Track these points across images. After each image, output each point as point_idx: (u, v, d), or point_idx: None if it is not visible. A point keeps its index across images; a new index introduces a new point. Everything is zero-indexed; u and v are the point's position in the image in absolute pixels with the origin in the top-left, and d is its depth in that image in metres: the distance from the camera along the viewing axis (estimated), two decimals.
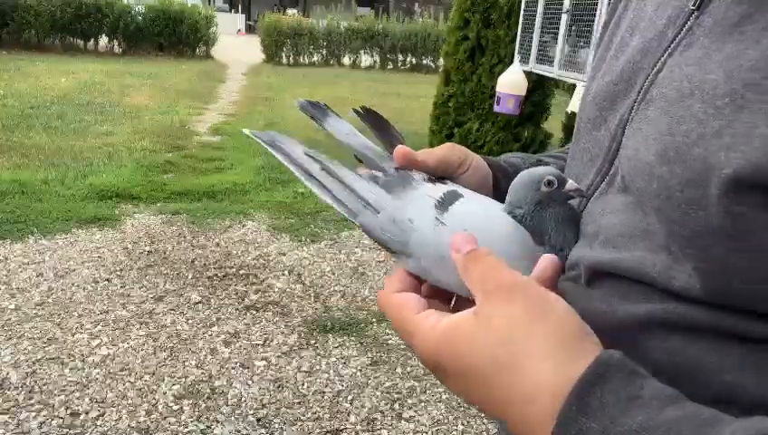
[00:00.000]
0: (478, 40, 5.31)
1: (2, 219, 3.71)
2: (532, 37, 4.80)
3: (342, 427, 2.18)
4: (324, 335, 2.75)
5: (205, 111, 8.00)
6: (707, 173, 0.37)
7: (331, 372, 2.48)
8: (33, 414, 2.10)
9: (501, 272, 0.41)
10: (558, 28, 4.42)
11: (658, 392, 0.35)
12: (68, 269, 3.21)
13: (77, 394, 2.22)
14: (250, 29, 28.58)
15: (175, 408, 2.20)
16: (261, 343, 2.66)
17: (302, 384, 2.39)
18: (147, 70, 11.35)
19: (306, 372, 2.48)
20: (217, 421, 2.15)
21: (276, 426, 2.15)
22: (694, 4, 0.44)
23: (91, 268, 3.24)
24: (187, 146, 6.01)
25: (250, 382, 2.38)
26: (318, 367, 2.51)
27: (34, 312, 2.76)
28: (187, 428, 2.10)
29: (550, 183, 0.51)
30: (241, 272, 3.34)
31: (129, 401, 2.21)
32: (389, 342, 2.74)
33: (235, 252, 3.60)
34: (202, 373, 2.41)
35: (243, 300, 3.03)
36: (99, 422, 2.10)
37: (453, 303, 0.52)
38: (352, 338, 2.75)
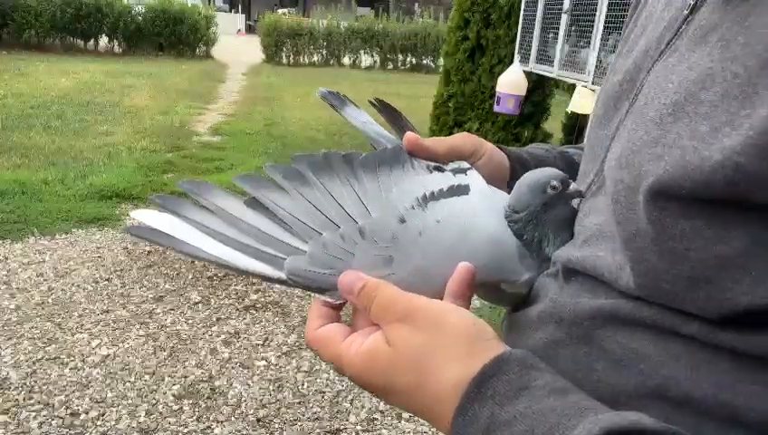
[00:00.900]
0: (478, 40, 5.31)
1: (2, 219, 3.72)
2: (532, 37, 4.79)
3: (342, 427, 2.18)
4: None
5: (205, 111, 8.00)
6: (639, 180, 0.39)
7: (331, 372, 2.48)
8: (33, 414, 2.10)
9: (395, 304, 0.44)
10: (558, 28, 4.41)
11: (547, 384, 0.38)
12: (68, 269, 3.21)
13: (77, 394, 2.22)
14: (250, 29, 28.58)
15: (175, 408, 2.20)
16: (261, 343, 2.66)
17: (302, 384, 2.39)
18: (147, 70, 11.35)
19: (306, 372, 2.48)
20: (217, 421, 2.15)
21: (276, 426, 2.15)
22: (687, 9, 0.45)
23: (91, 268, 3.24)
24: (187, 146, 6.01)
25: (250, 382, 2.38)
26: (318, 367, 2.51)
27: (34, 312, 2.76)
28: (187, 428, 2.10)
29: (555, 187, 0.52)
30: None
31: (129, 401, 2.21)
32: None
33: None
34: (202, 373, 2.41)
35: (243, 300, 3.03)
36: (99, 422, 2.10)
37: None
38: None
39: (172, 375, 2.39)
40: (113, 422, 2.10)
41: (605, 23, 3.78)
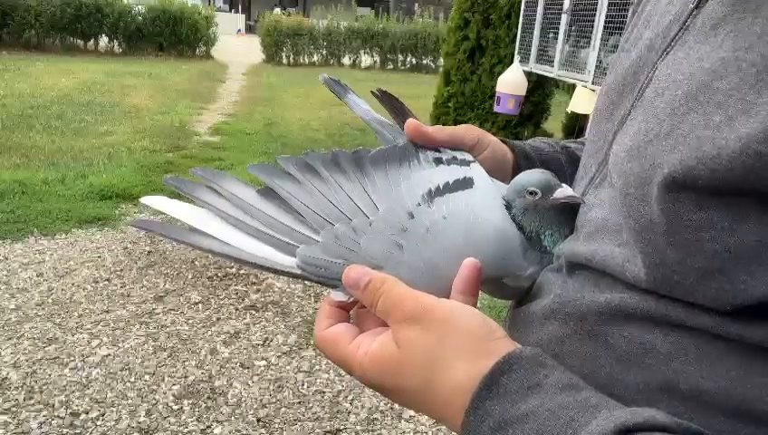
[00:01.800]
0: (478, 40, 5.31)
1: (2, 219, 3.72)
2: (532, 37, 4.80)
3: (342, 427, 2.18)
4: None
5: (205, 111, 8.00)
6: (652, 171, 0.39)
7: (331, 371, 2.48)
8: (33, 414, 2.10)
9: (402, 302, 0.44)
10: (558, 28, 4.41)
11: (559, 381, 0.38)
12: (68, 269, 3.21)
13: (77, 394, 2.22)
14: (250, 29, 28.58)
15: (175, 408, 2.20)
16: (261, 343, 2.66)
17: (302, 384, 2.39)
18: (147, 70, 11.35)
19: (306, 372, 2.48)
20: (217, 421, 2.15)
21: (276, 426, 2.15)
22: (693, 2, 0.44)
23: (91, 268, 3.24)
24: (187, 146, 6.01)
25: (250, 382, 2.38)
26: (318, 367, 2.51)
27: (34, 312, 2.76)
28: (187, 428, 2.10)
29: (532, 193, 0.52)
30: (241, 272, 3.34)
31: (129, 401, 2.21)
32: None
33: None
34: (202, 373, 2.41)
35: (243, 300, 3.03)
36: (99, 422, 2.10)
37: None
38: None
39: (172, 375, 2.38)
40: (113, 422, 2.10)
41: (605, 23, 3.78)
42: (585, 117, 4.68)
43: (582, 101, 4.27)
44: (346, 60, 16.43)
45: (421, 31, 16.09)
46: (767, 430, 0.36)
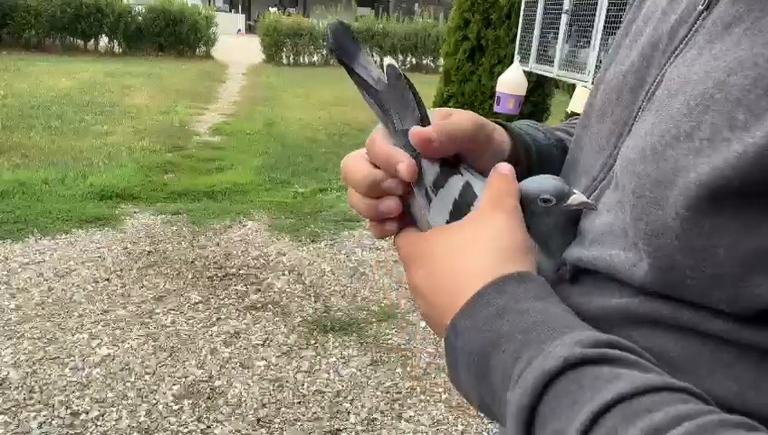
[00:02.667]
0: (478, 40, 5.31)
1: (2, 219, 3.72)
2: (532, 37, 4.80)
3: (342, 427, 2.18)
4: (324, 335, 2.75)
5: (205, 111, 8.00)
6: (675, 175, 0.38)
7: (331, 371, 2.48)
8: (33, 414, 2.10)
9: (506, 196, 0.49)
10: (558, 28, 4.41)
11: (560, 303, 0.42)
12: (68, 269, 3.21)
13: (77, 394, 2.22)
14: (250, 29, 28.58)
15: (175, 408, 2.20)
16: (261, 343, 2.66)
17: (302, 384, 2.39)
18: (147, 70, 11.35)
19: (306, 372, 2.48)
20: (217, 421, 2.15)
21: (276, 426, 2.15)
22: (703, 5, 0.44)
23: (91, 268, 3.24)
24: (187, 146, 6.01)
25: (250, 382, 2.38)
26: (318, 367, 2.51)
27: (34, 312, 2.76)
28: (187, 428, 2.10)
29: (546, 201, 0.51)
30: (241, 272, 3.34)
31: (129, 401, 2.21)
32: (389, 342, 2.74)
33: (234, 252, 3.60)
34: (202, 373, 2.41)
35: (243, 300, 3.03)
36: (99, 422, 2.10)
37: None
38: (352, 338, 2.75)
39: (172, 375, 2.38)
40: (113, 422, 2.10)
41: (605, 23, 3.78)
42: None
43: (582, 101, 4.27)
44: None
45: (421, 31, 16.09)
46: None
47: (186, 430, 2.09)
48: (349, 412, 2.25)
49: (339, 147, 6.33)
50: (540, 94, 5.38)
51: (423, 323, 2.82)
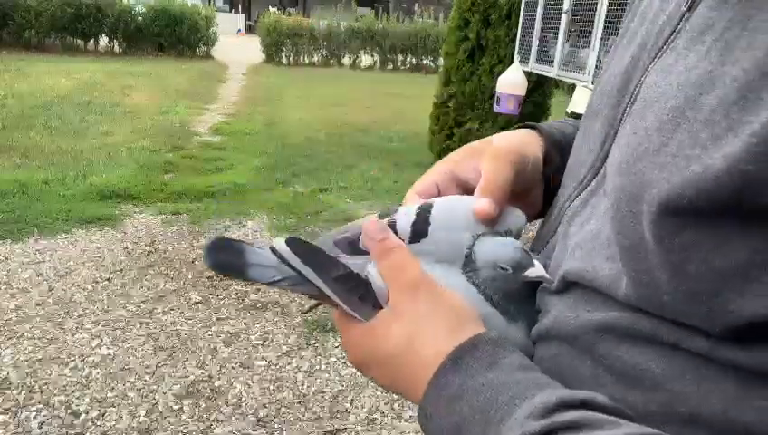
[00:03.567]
0: (478, 40, 5.31)
1: (2, 219, 3.71)
2: (532, 37, 4.79)
3: (342, 427, 2.18)
4: (324, 335, 2.75)
5: (205, 111, 8.00)
6: (642, 189, 0.38)
7: (331, 371, 2.48)
8: (34, 414, 2.10)
9: (407, 269, 0.48)
10: (558, 28, 4.42)
11: (515, 362, 0.43)
12: (68, 269, 3.21)
13: (77, 394, 2.22)
14: (250, 29, 28.57)
15: (175, 408, 2.20)
16: (261, 343, 2.66)
17: (302, 384, 2.39)
18: (147, 70, 11.35)
19: (306, 372, 2.48)
20: (217, 421, 2.15)
21: (276, 426, 2.15)
22: (686, 5, 0.43)
23: (91, 268, 3.24)
24: (187, 146, 6.01)
25: (250, 382, 2.38)
26: (318, 367, 2.51)
27: (34, 312, 2.76)
28: (187, 428, 2.10)
29: (503, 268, 0.49)
30: None
31: (129, 401, 2.21)
32: None
33: None
34: (202, 373, 2.41)
35: (243, 300, 3.03)
36: (99, 422, 2.10)
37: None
38: None
39: (172, 375, 2.38)
40: (113, 422, 2.10)
41: (605, 23, 3.78)
42: None
43: (582, 100, 4.27)
44: (346, 60, 16.43)
45: (421, 31, 16.09)
46: None
47: (186, 430, 2.09)
48: (349, 412, 2.26)
49: (339, 147, 6.33)
50: (540, 94, 5.37)
51: None
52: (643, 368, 0.40)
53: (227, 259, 0.52)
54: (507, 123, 5.25)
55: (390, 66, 16.43)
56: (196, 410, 2.20)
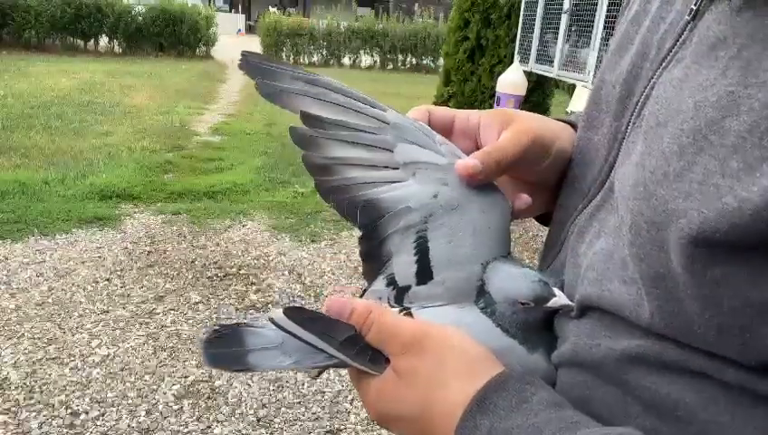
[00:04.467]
0: (478, 40, 5.31)
1: (2, 219, 3.71)
2: (532, 37, 4.80)
3: (342, 427, 2.18)
4: None
5: (205, 111, 8.00)
6: (667, 217, 0.36)
7: (331, 371, 2.48)
8: (34, 414, 2.10)
9: (398, 332, 0.46)
10: (558, 28, 4.42)
11: (545, 399, 0.40)
12: (68, 269, 3.21)
13: (77, 394, 2.22)
14: (250, 29, 28.58)
15: (175, 408, 2.20)
16: None
17: (302, 384, 2.39)
18: (147, 70, 11.35)
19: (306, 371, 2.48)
20: (217, 421, 2.15)
21: (276, 426, 2.15)
22: (689, 14, 0.41)
23: (92, 268, 3.24)
24: (187, 146, 6.01)
25: (250, 382, 2.38)
26: None
27: (34, 312, 2.76)
28: (187, 428, 2.10)
29: (524, 304, 0.48)
30: (241, 272, 3.34)
31: (129, 401, 2.21)
32: None
33: (235, 252, 3.60)
34: (202, 373, 2.41)
35: (243, 300, 3.03)
36: (99, 422, 2.10)
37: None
38: None
39: (172, 375, 2.38)
40: (113, 422, 2.10)
41: (605, 23, 3.78)
42: None
43: (582, 101, 4.27)
44: (346, 60, 16.43)
45: (421, 31, 16.08)
46: None
47: (186, 430, 2.09)
48: (349, 412, 2.26)
49: None
50: (540, 94, 5.38)
51: None
52: (674, 398, 0.39)
53: (226, 351, 0.49)
54: None
55: (390, 66, 16.42)
56: (196, 410, 2.20)
